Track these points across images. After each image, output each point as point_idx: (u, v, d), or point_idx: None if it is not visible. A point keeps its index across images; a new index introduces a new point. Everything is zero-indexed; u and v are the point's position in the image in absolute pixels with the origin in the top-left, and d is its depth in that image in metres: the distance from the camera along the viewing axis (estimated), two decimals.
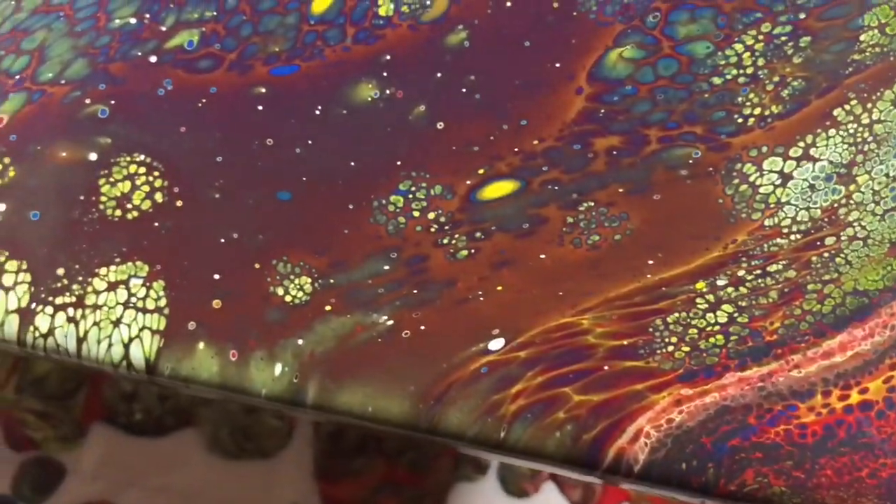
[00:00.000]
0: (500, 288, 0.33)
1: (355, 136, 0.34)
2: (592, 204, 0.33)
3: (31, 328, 0.33)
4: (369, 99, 0.35)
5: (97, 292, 0.33)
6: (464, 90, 0.35)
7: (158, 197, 0.34)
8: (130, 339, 0.32)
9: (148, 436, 0.51)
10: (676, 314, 0.32)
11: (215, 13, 0.36)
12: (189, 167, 0.34)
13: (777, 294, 0.33)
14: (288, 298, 0.33)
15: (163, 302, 0.33)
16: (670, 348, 0.32)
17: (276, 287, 0.33)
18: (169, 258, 0.33)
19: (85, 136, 0.35)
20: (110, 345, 0.33)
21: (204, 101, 0.35)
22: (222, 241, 0.33)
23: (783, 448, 0.31)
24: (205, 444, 0.51)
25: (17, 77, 0.35)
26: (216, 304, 0.33)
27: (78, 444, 0.51)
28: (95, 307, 0.33)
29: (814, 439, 0.32)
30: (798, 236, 0.33)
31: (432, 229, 0.33)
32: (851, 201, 0.33)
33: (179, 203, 0.34)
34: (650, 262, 0.33)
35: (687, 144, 0.34)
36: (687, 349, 0.32)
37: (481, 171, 0.34)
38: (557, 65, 0.35)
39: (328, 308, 0.33)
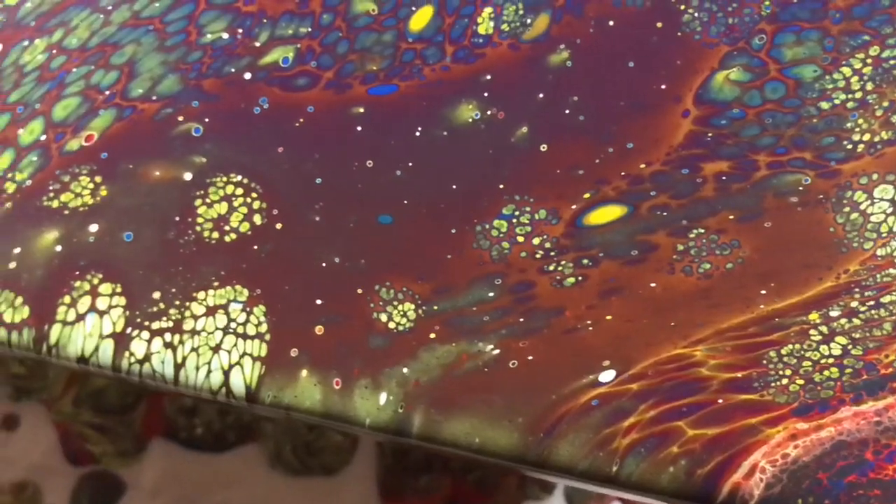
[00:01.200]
0: (609, 317, 0.32)
1: (456, 159, 0.34)
2: (703, 231, 0.33)
3: (127, 354, 0.32)
4: (470, 120, 0.34)
5: (195, 317, 0.32)
6: (567, 111, 0.34)
7: (257, 219, 0.33)
8: (231, 366, 0.32)
9: (209, 451, 0.50)
10: (790, 346, 0.32)
11: (310, 29, 0.35)
12: (288, 189, 0.33)
13: (891, 326, 0.32)
14: (392, 325, 0.32)
15: (264, 327, 0.32)
16: (784, 381, 0.31)
17: (380, 313, 0.32)
18: (269, 282, 0.32)
19: (179, 154, 0.34)
20: (209, 371, 0.32)
21: (301, 120, 0.34)
22: (323, 265, 0.33)
23: None
24: (267, 460, 0.50)
25: (107, 92, 0.34)
26: (318, 330, 0.32)
27: (137, 459, 0.50)
28: (194, 332, 0.32)
29: None
30: None
31: (538, 255, 0.32)
32: None
33: (279, 225, 0.33)
34: (762, 291, 0.32)
35: (796, 171, 0.33)
36: (801, 382, 0.31)
37: (587, 196, 0.33)
38: (663, 86, 0.34)
39: (433, 336, 0.32)
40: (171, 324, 0.32)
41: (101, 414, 0.50)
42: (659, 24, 0.35)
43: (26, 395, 0.51)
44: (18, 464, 0.50)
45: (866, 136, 0.33)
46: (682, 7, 0.35)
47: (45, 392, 0.51)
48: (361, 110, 0.34)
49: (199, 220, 0.33)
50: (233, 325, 0.32)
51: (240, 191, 0.33)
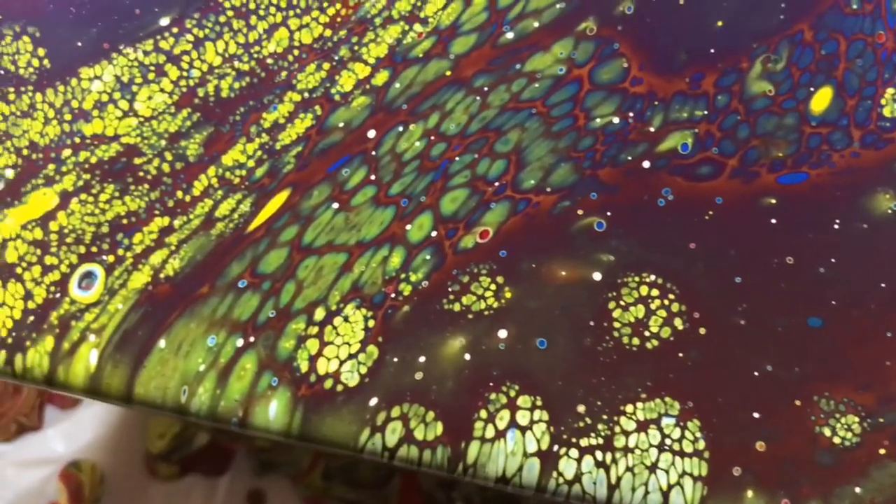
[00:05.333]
0: None
1: (881, 254, 0.31)
2: None
3: (555, 474, 0.29)
4: (889, 211, 0.32)
5: (626, 433, 0.30)
6: None
7: (678, 323, 0.31)
8: (670, 486, 0.29)
9: None
10: None
11: (706, 112, 0.33)
12: (706, 289, 0.31)
13: None
14: (836, 440, 0.30)
15: (701, 444, 0.30)
16: None
17: (822, 427, 0.30)
18: (700, 393, 0.30)
19: (584, 252, 0.31)
20: (646, 493, 0.29)
21: (710, 213, 0.32)
22: (755, 373, 0.30)
23: None
24: None
25: (497, 184, 0.32)
26: (760, 446, 0.30)
27: None
28: (626, 450, 0.30)
29: None
30: None
31: None
32: None
33: (702, 330, 0.31)
34: None
35: None
36: None
37: None
38: None
39: (882, 451, 0.30)
40: (601, 441, 0.30)
41: (353, 488, 0.48)
42: None
43: (272, 469, 0.48)
44: None
45: None
46: None
47: (291, 466, 0.48)
48: (773, 201, 0.32)
49: (616, 324, 0.31)
50: (668, 441, 0.30)
51: (655, 292, 0.31)
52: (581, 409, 0.30)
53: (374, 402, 0.30)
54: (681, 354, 0.30)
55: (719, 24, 0.33)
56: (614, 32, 0.33)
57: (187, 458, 0.48)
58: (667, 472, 0.29)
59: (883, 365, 0.30)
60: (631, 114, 0.33)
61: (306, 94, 0.33)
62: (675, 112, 0.33)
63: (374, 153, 0.32)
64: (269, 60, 0.33)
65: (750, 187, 0.32)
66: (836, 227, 0.32)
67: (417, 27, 0.33)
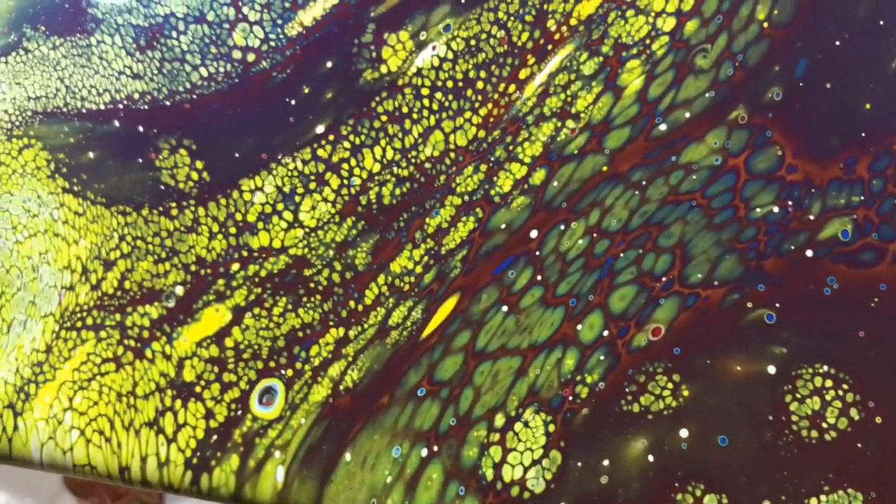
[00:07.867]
0: None
1: None
2: None
3: None
4: None
5: None
6: None
7: (854, 413, 0.31)
8: None
9: None
10: None
11: (862, 197, 0.33)
12: (879, 377, 0.31)
13: None
14: None
15: None
16: None
17: None
18: (882, 483, 0.30)
19: (756, 345, 0.32)
20: None
21: (876, 300, 0.32)
22: None
23: None
24: None
25: (664, 279, 0.32)
26: None
27: None
28: None
29: None
30: None
31: None
32: None
33: (878, 420, 0.31)
34: None
35: None
36: None
37: None
38: None
39: None
40: None
41: None
42: None
43: None
44: None
45: None
46: None
47: None
48: None
49: (794, 417, 0.31)
50: None
51: (829, 382, 0.31)
52: None
53: None
54: (859, 445, 0.31)
55: (867, 106, 0.34)
56: (765, 120, 0.33)
57: None
58: None
59: None
60: (790, 202, 0.33)
61: (466, 197, 0.33)
62: (833, 199, 0.33)
63: (537, 253, 0.33)
64: (427, 165, 0.33)
65: None
66: None
67: (570, 123, 0.34)
